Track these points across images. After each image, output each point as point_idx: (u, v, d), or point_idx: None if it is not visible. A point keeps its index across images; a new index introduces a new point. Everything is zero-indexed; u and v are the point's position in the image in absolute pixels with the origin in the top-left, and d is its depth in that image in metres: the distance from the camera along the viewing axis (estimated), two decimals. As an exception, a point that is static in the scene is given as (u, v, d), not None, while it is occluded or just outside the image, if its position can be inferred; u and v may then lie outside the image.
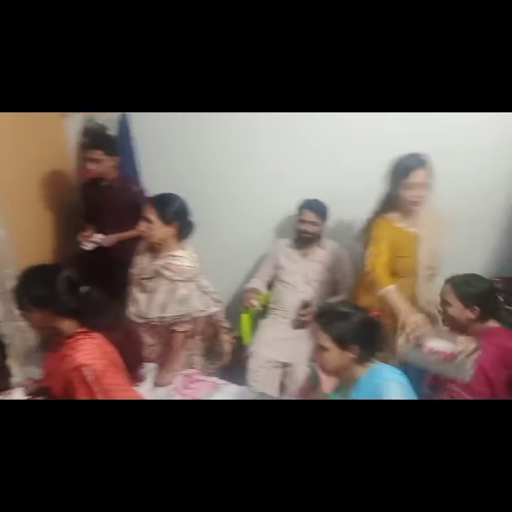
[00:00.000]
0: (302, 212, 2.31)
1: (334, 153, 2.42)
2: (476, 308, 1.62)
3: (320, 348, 1.33)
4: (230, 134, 2.53)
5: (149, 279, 1.84)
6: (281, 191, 2.55)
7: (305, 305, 2.27)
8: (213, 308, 1.94)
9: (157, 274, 1.81)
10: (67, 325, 1.40)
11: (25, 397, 1.53)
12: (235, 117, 2.35)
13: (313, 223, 2.29)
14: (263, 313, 2.50)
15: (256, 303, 2.33)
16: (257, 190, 2.62)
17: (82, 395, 1.35)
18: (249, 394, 1.90)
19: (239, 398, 1.83)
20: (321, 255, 2.37)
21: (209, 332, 2.08)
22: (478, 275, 1.71)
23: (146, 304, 1.84)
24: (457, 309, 1.65)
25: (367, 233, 2.02)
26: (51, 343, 1.48)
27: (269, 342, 2.19)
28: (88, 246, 2.38)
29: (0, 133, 2.23)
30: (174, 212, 1.78)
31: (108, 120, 2.67)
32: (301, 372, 1.92)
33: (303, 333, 2.20)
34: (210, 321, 2.02)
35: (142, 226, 1.79)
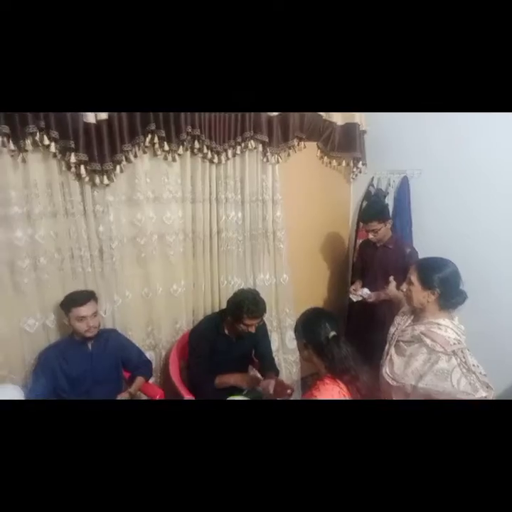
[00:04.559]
0: None
1: None
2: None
3: None
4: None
5: (408, 342, 1.78)
6: None
7: None
8: (481, 393, 1.67)
9: (417, 340, 1.74)
10: (321, 368, 1.54)
11: None
12: None
13: None
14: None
15: None
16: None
17: None
18: None
19: None
20: None
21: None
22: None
23: (401, 367, 1.78)
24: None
25: None
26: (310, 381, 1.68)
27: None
28: (355, 298, 2.54)
29: (295, 194, 2.74)
30: (438, 279, 1.68)
31: (389, 179, 2.84)
32: None
33: None
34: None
35: (404, 287, 1.78)
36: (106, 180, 2.00)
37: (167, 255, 2.34)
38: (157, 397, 2.12)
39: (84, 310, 1.85)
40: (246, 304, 2.07)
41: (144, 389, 2.15)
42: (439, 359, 1.66)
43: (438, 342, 1.66)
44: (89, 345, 1.95)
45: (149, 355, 2.33)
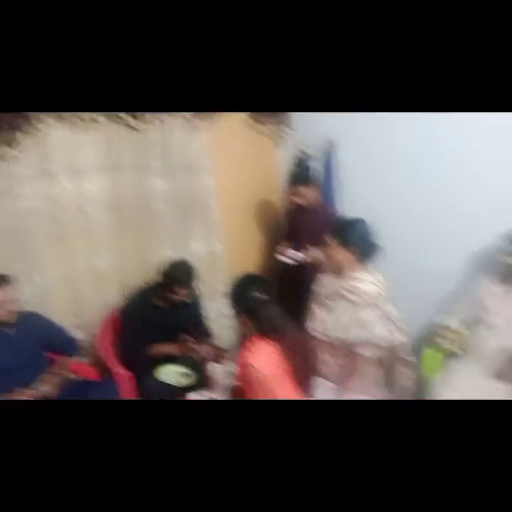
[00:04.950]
0: None
1: None
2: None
3: None
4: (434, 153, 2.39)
5: (332, 299, 1.89)
6: (494, 217, 2.24)
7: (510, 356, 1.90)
8: (398, 338, 1.83)
9: (339, 296, 1.85)
10: (253, 330, 1.59)
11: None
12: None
13: None
14: (455, 354, 2.22)
15: (450, 344, 2.09)
16: (464, 216, 2.37)
17: (250, 392, 1.51)
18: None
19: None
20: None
21: (389, 362, 1.98)
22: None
23: (326, 322, 1.89)
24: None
25: None
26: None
27: (460, 389, 1.92)
28: (284, 260, 2.62)
29: (224, 161, 2.71)
30: (355, 237, 1.79)
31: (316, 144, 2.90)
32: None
33: (503, 386, 1.85)
34: (393, 351, 1.92)
35: (323, 249, 1.88)
36: (14, 152, 1.83)
37: (90, 230, 2.23)
38: (91, 377, 2.06)
39: (1, 294, 1.73)
40: (176, 274, 2.05)
41: (76, 369, 2.08)
42: (360, 311, 1.79)
43: (359, 295, 1.78)
44: (8, 330, 1.83)
45: (77, 334, 2.24)
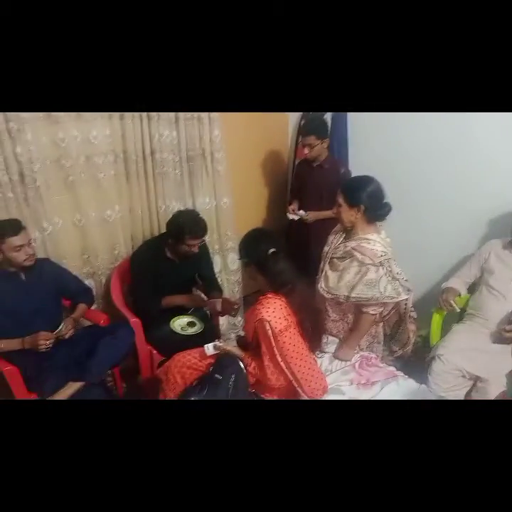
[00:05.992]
0: None
1: None
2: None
3: None
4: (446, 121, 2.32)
5: (341, 258, 1.90)
6: (499, 182, 2.21)
7: (512, 320, 1.94)
8: (403, 296, 1.87)
9: (348, 255, 1.86)
10: (263, 284, 1.62)
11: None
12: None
13: None
14: (458, 316, 2.27)
15: (454, 306, 2.13)
16: (472, 180, 2.33)
17: (264, 345, 1.57)
18: (429, 394, 1.79)
19: (416, 396, 1.76)
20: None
21: (394, 319, 2.03)
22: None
23: (335, 281, 1.92)
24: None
25: None
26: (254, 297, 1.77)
27: (462, 350, 1.98)
28: (292, 217, 2.62)
29: (233, 119, 2.62)
30: (363, 196, 1.76)
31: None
32: (494, 389, 1.69)
33: (504, 348, 1.91)
34: (398, 308, 1.97)
35: (334, 210, 1.87)
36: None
37: (97, 178, 2.19)
38: (102, 322, 2.12)
39: (20, 239, 1.74)
40: (187, 225, 2.04)
41: (88, 315, 2.14)
42: (368, 270, 1.81)
43: (367, 255, 1.80)
44: (23, 276, 1.86)
45: (89, 283, 2.28)
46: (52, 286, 1.94)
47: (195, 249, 2.11)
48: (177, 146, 2.42)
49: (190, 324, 2.20)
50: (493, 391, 1.68)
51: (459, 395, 1.94)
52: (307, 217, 2.58)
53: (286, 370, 1.59)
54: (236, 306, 2.18)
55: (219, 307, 2.14)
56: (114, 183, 2.26)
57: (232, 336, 2.55)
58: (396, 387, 1.81)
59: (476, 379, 1.92)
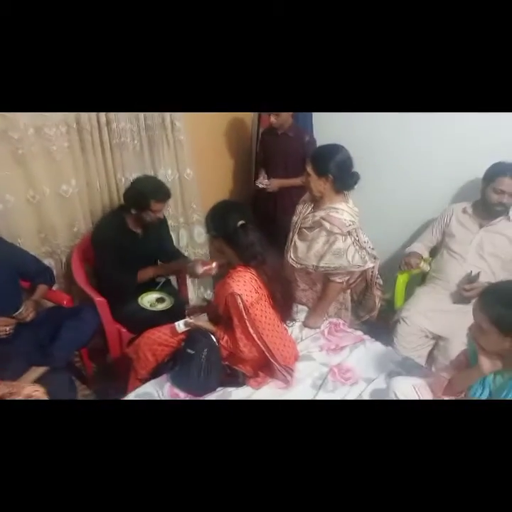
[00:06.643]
0: (498, 180, 1.97)
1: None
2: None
3: (479, 329, 1.22)
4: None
5: (309, 228, 1.90)
6: (463, 150, 2.25)
7: (471, 280, 2.04)
8: (369, 264, 1.91)
9: (317, 225, 1.86)
10: (232, 257, 1.60)
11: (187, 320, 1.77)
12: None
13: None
14: (421, 279, 2.36)
15: (422, 265, 2.23)
16: (438, 149, 2.37)
17: (236, 319, 1.56)
18: (395, 356, 1.88)
19: (383, 357, 1.84)
20: (506, 228, 2.06)
21: (361, 286, 2.08)
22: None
23: (304, 251, 1.92)
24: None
25: None
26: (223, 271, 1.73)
27: (425, 311, 2.07)
28: (261, 186, 2.58)
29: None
30: (332, 165, 1.75)
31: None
32: (455, 347, 1.78)
33: (463, 308, 2.01)
34: (365, 275, 2.02)
35: (302, 179, 1.85)
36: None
37: (50, 151, 2.04)
38: (65, 303, 2.04)
39: None
40: (149, 189, 1.96)
41: (50, 296, 2.04)
42: (336, 240, 1.82)
43: (335, 224, 1.80)
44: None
45: (48, 262, 2.17)
46: (7, 267, 1.83)
47: (161, 215, 2.04)
48: (134, 115, 2.29)
49: (159, 300, 2.16)
50: (454, 349, 1.77)
51: (422, 354, 2.04)
52: (270, 186, 2.56)
53: (258, 341, 1.60)
54: (214, 265, 2.07)
55: (200, 269, 2.02)
56: (69, 156, 2.12)
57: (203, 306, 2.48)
58: (364, 350, 1.89)
59: (438, 338, 2.03)
